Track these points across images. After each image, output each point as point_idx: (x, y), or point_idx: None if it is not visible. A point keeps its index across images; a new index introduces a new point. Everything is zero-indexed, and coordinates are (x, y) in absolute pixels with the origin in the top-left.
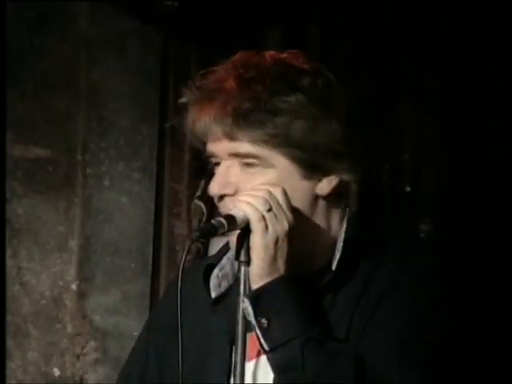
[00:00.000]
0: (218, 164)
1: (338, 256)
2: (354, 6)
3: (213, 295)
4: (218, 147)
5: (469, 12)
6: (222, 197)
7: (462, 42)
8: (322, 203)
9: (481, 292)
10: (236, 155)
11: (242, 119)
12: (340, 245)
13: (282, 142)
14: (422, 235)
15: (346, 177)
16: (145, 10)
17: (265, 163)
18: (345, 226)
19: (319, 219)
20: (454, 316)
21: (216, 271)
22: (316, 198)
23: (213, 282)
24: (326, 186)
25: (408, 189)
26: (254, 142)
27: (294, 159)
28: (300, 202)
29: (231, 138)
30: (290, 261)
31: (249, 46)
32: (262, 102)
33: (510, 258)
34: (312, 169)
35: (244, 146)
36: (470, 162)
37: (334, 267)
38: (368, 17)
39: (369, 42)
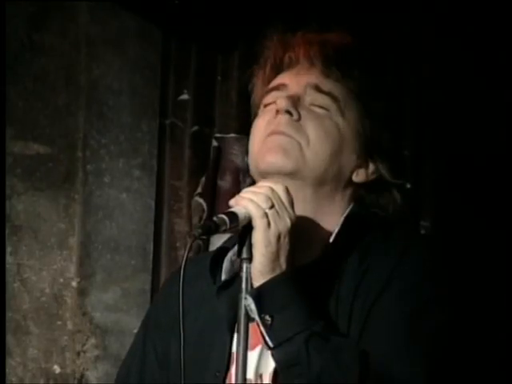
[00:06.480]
0: (267, 106)
1: (336, 229)
2: (354, 2)
3: (223, 277)
4: (298, 77)
5: (469, 12)
6: (285, 112)
7: (462, 41)
8: (348, 190)
9: (482, 284)
10: (317, 88)
11: (345, 58)
12: (341, 220)
13: (365, 100)
14: (422, 232)
15: (387, 177)
16: (145, 7)
17: (337, 109)
18: (350, 207)
19: (336, 201)
20: (456, 307)
21: (230, 254)
22: (348, 182)
23: (226, 264)
24: (363, 175)
25: (408, 185)
26: (342, 85)
27: (363, 122)
28: (336, 168)
29: (326, 73)
30: (292, 253)
31: (249, 42)
32: (366, 58)
33: (511, 253)
34: (367, 146)
35: (330, 83)
36: (470, 159)
37: (331, 240)
38: (368, 13)
39: (369, 39)
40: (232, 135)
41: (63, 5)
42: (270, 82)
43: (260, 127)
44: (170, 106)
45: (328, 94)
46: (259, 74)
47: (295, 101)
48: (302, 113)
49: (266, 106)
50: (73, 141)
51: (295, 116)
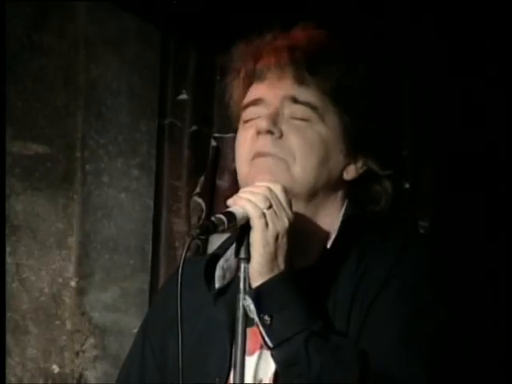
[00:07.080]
0: (247, 122)
1: (333, 235)
2: (353, 3)
3: (217, 285)
4: (274, 90)
5: (469, 11)
6: (266, 132)
7: (462, 40)
8: (341, 189)
9: (481, 284)
10: (294, 100)
11: (315, 62)
12: (337, 224)
13: (342, 100)
14: (421, 232)
15: (375, 169)
16: (144, 7)
17: (317, 117)
18: (345, 206)
19: (330, 202)
20: (455, 307)
21: (221, 262)
22: (340, 181)
23: (218, 272)
24: (353, 171)
25: (407, 185)
26: (317, 90)
27: (344, 121)
28: (326, 176)
29: (299, 80)
30: (290, 254)
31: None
32: (336, 56)
33: (510, 254)
34: (353, 143)
35: (306, 92)
36: (469, 159)
37: (329, 245)
38: (368, 13)
39: (368, 39)
40: (231, 135)
41: (62, 5)
42: (245, 92)
43: (243, 146)
44: (168, 105)
45: (306, 104)
46: (233, 85)
47: (274, 118)
48: (283, 128)
49: (245, 122)
50: (71, 141)
51: (277, 134)
